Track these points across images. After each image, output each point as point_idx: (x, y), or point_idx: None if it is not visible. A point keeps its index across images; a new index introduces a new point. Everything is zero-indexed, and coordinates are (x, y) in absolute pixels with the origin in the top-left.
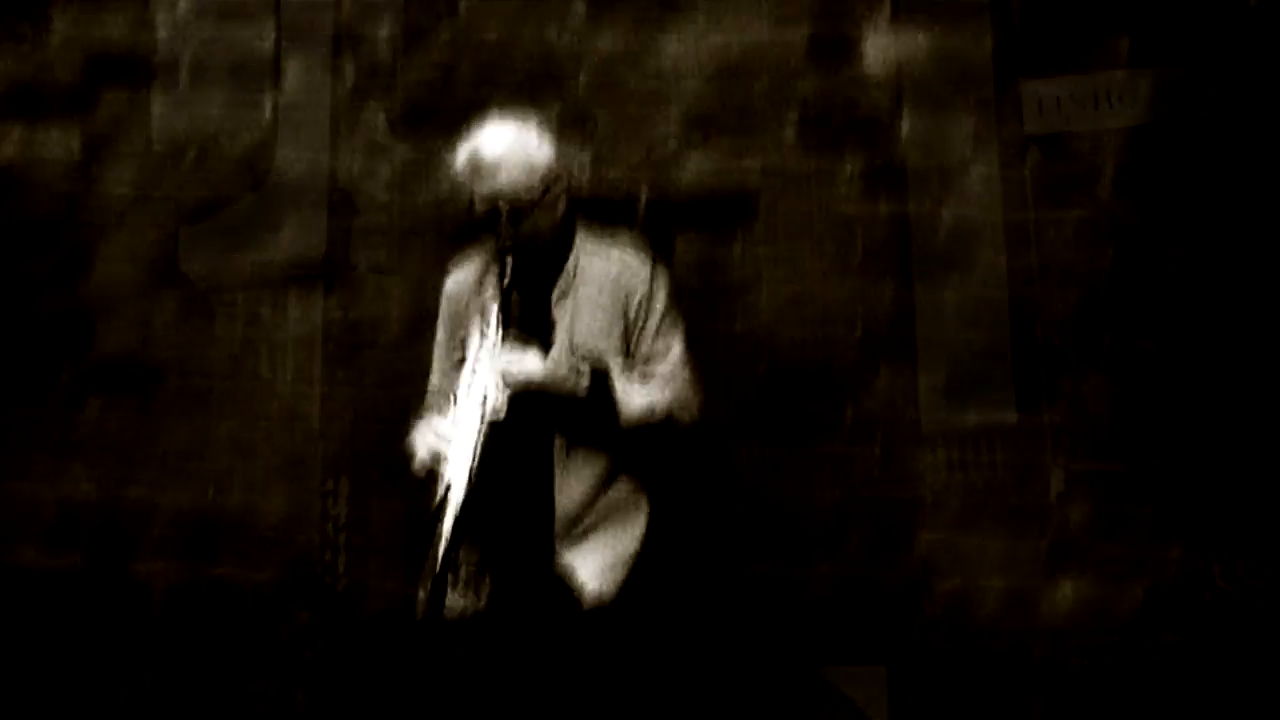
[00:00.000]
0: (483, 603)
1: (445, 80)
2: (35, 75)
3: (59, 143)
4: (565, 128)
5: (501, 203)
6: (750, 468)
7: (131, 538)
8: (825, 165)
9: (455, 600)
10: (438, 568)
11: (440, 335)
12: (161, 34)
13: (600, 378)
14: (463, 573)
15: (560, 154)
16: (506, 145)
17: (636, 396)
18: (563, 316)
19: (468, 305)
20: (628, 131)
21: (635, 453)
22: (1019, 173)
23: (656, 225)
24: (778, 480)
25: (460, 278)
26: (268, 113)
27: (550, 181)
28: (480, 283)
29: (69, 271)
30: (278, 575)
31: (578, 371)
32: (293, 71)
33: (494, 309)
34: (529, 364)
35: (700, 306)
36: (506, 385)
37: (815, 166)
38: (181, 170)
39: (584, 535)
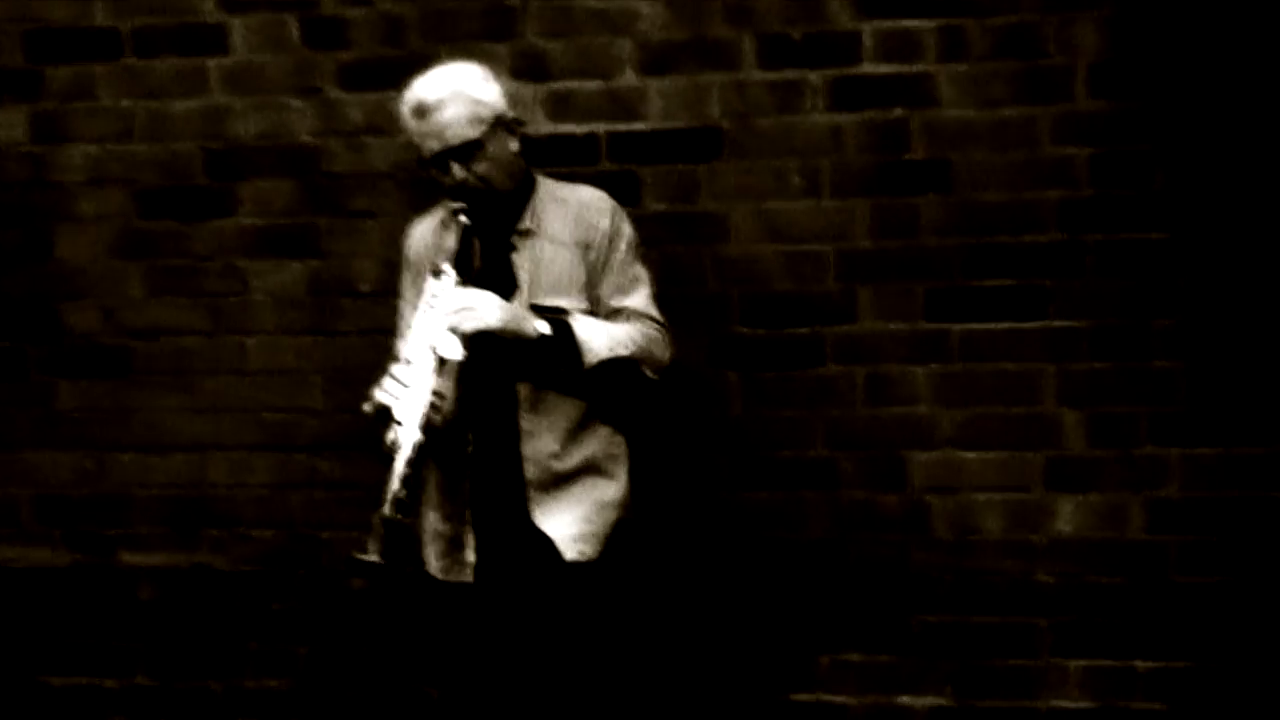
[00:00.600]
0: (468, 563)
1: (395, 30)
2: None
3: (10, 124)
4: (520, 69)
5: (448, 140)
6: (737, 396)
7: (115, 525)
8: (789, 82)
9: (438, 563)
10: (388, 510)
11: (405, 294)
12: (102, 6)
13: (560, 322)
14: (443, 531)
15: (513, 96)
16: (448, 84)
17: (599, 339)
18: (523, 261)
19: (428, 260)
20: (585, 68)
21: (611, 398)
22: (991, 69)
23: (621, 160)
24: (767, 407)
25: (419, 234)
26: (216, 78)
27: (498, 119)
28: (440, 235)
29: (30, 254)
30: (265, 551)
31: (532, 316)
32: (238, 34)
33: (450, 254)
34: (481, 309)
35: (673, 237)
36: (459, 331)
37: (779, 84)
38: (135, 143)
39: (560, 487)
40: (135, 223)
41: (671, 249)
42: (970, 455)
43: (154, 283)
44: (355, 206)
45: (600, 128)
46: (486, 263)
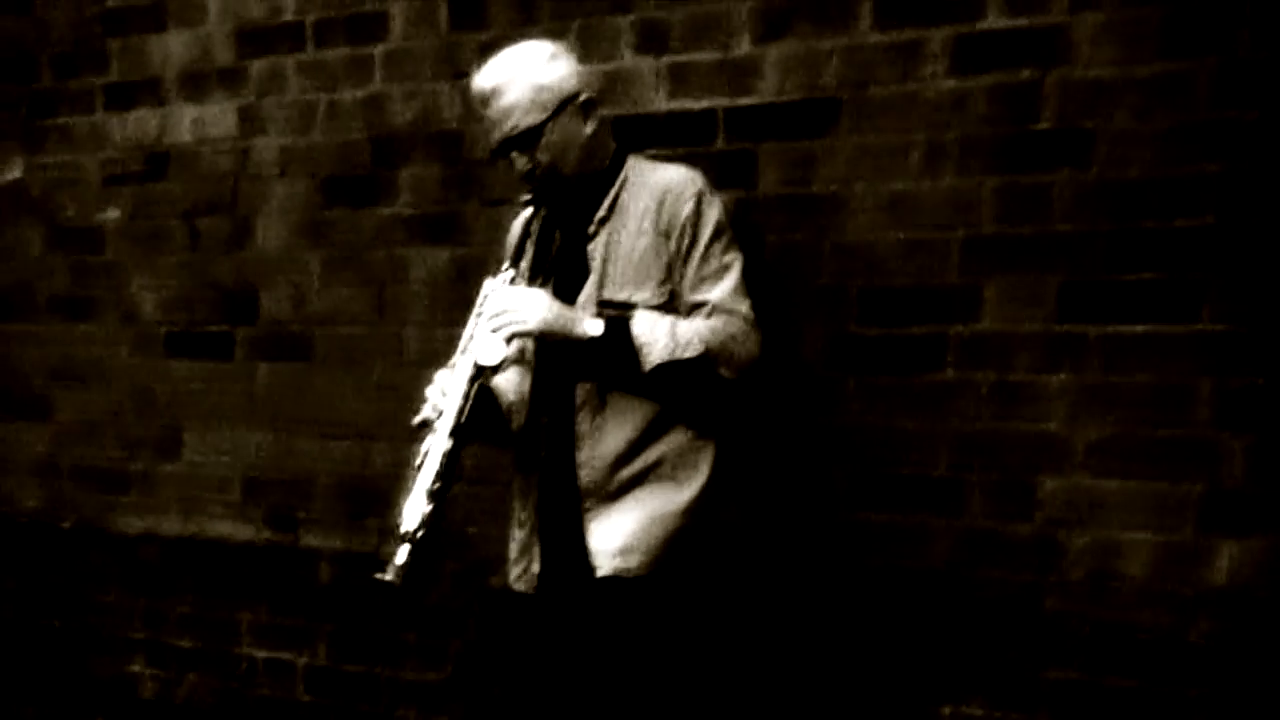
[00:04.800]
0: (534, 574)
1: (528, 6)
2: (201, 56)
3: (220, 119)
4: (641, 43)
5: (506, 130)
6: (853, 402)
7: (301, 507)
8: (908, 43)
9: (512, 570)
10: (411, 527)
11: None
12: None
13: (616, 321)
14: (518, 538)
15: (588, 73)
16: (507, 70)
17: (660, 339)
18: (596, 252)
19: None
20: (701, 36)
21: (687, 399)
22: (1134, 16)
23: (737, 138)
24: (886, 416)
25: (516, 226)
26: (379, 65)
27: (564, 101)
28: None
29: (236, 241)
30: None
31: (585, 315)
32: (398, 17)
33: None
34: (524, 310)
35: (789, 222)
36: (501, 333)
37: (897, 46)
38: (313, 133)
39: (618, 496)
40: (318, 213)
41: (788, 236)
42: (1110, 484)
43: (330, 270)
44: (502, 187)
45: (719, 102)
46: (562, 255)
